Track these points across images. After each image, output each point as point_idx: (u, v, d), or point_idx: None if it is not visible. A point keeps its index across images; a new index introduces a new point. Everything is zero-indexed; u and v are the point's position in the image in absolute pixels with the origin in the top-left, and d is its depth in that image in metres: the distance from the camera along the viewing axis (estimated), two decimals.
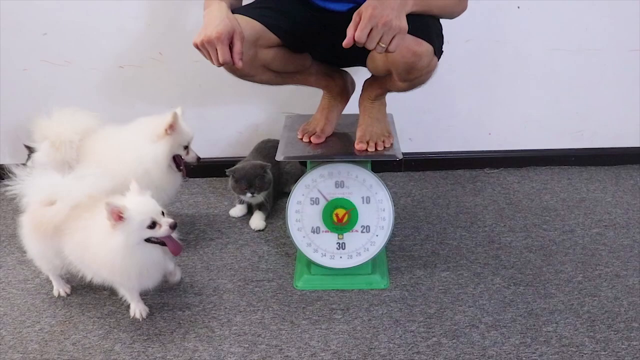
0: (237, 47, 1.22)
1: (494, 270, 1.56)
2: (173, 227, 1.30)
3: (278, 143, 1.96)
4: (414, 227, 1.77)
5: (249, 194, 1.75)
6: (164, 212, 1.33)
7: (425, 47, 1.24)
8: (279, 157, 1.43)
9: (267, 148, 1.93)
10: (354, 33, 1.11)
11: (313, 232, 1.48)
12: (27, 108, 1.92)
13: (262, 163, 1.81)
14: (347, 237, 1.48)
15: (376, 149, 1.42)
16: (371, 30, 1.10)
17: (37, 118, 1.62)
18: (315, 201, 1.48)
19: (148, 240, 1.30)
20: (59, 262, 1.41)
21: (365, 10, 1.11)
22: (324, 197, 1.47)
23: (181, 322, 1.40)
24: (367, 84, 1.50)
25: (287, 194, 1.88)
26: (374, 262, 1.52)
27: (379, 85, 1.44)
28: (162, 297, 1.49)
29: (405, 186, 2.02)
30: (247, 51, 1.30)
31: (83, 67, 1.95)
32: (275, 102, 2.05)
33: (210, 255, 1.66)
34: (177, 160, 1.62)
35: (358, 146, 1.42)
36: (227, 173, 1.79)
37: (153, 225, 1.28)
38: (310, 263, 1.51)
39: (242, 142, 2.11)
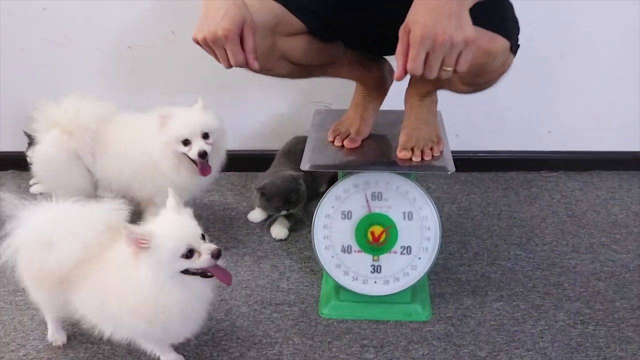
0: (249, 43, 0.98)
1: (557, 302, 1.31)
2: (216, 255, 1.02)
3: None
4: (461, 242, 1.53)
5: (284, 212, 1.53)
6: (205, 235, 1.05)
7: (501, 44, 0.99)
8: (305, 165, 1.19)
9: (297, 152, 1.68)
10: (405, 64, 0.85)
11: (343, 251, 1.25)
12: (26, 91, 1.73)
13: (294, 174, 1.56)
14: (384, 259, 1.24)
15: (422, 159, 1.17)
16: (427, 55, 0.84)
17: (42, 104, 1.43)
18: (347, 215, 1.24)
19: (185, 271, 1.02)
20: (66, 313, 1.12)
21: (413, 29, 0.83)
22: (359, 210, 1.23)
23: (186, 353, 1.19)
24: (415, 77, 1.24)
25: (320, 195, 1.67)
26: (414, 289, 1.29)
27: (432, 81, 1.17)
28: None
29: (450, 190, 1.77)
30: (263, 40, 1.05)
31: (87, 46, 1.73)
32: (303, 89, 1.81)
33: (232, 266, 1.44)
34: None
35: (401, 154, 1.17)
36: (256, 191, 1.56)
37: (190, 254, 1.00)
38: (339, 287, 1.28)
39: (265, 133, 1.88)
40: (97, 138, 1.43)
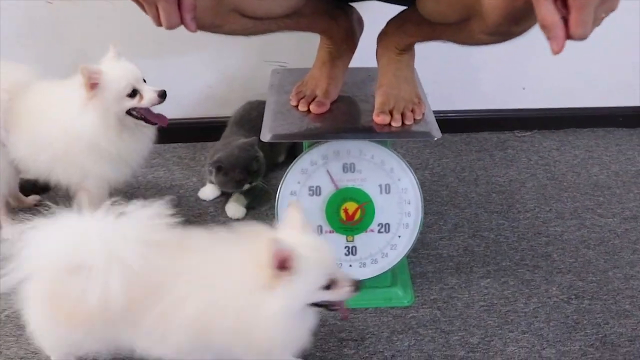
0: (187, 1, 0.79)
1: (547, 275, 1.20)
2: (357, 288, 0.85)
3: (264, 108, 1.55)
4: (438, 213, 1.39)
5: (247, 185, 1.34)
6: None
7: None
8: (266, 136, 1.00)
9: (252, 119, 1.49)
10: (566, 32, 0.65)
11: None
12: None
13: (248, 140, 1.38)
14: (360, 239, 1.09)
15: (403, 123, 1.00)
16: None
17: None
18: (315, 191, 1.08)
19: (316, 304, 0.84)
20: (108, 349, 0.87)
21: None
22: (328, 185, 1.06)
23: None
24: (394, 26, 1.06)
25: (279, 165, 1.50)
26: (393, 271, 1.14)
27: (419, 30, 1.00)
28: None
29: (421, 155, 1.62)
30: None
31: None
32: (255, 47, 1.60)
33: None
34: (138, 112, 1.20)
35: (378, 118, 1.00)
36: (210, 167, 1.36)
37: (330, 285, 0.82)
38: None
39: (214, 98, 1.67)
40: (11, 110, 1.19)
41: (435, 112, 1.76)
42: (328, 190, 1.07)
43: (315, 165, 1.07)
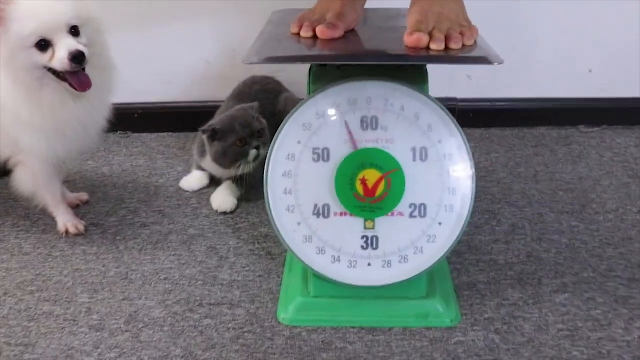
0: None
1: None
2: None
3: (269, 82, 1.27)
4: (489, 212, 1.05)
5: (253, 152, 1.04)
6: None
7: None
8: (250, 58, 0.70)
9: (253, 94, 1.21)
10: None
11: (317, 214, 0.77)
12: None
13: (248, 104, 1.11)
14: (383, 225, 0.76)
15: (447, 47, 0.69)
16: None
17: None
18: (322, 155, 0.76)
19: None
20: None
21: None
22: (341, 146, 0.75)
23: None
24: None
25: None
26: (431, 277, 0.81)
27: None
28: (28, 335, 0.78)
29: None
30: None
31: None
32: (260, 11, 1.32)
33: (135, 253, 0.94)
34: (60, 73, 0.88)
35: (412, 37, 0.68)
36: (202, 131, 1.07)
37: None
38: (309, 274, 0.80)
39: (212, 76, 1.38)
40: None
41: (477, 99, 1.47)
42: (340, 152, 0.75)
43: (322, 118, 0.76)
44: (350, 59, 0.70)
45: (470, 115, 1.38)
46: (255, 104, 1.10)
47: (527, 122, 1.41)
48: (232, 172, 1.06)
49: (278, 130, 0.76)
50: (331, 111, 0.76)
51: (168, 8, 1.31)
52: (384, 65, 0.76)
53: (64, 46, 0.83)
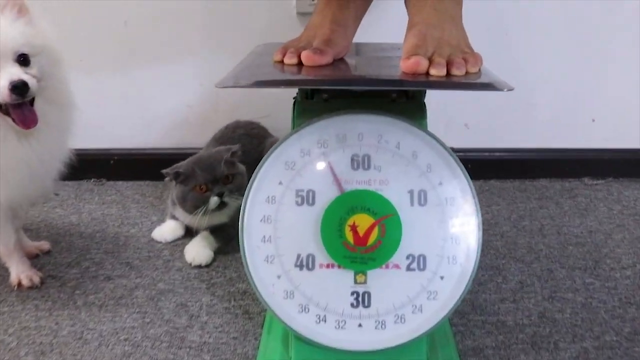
0: None
1: None
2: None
3: (254, 127, 1.20)
4: (493, 268, 0.95)
5: (214, 199, 0.95)
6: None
7: None
8: (225, 82, 0.61)
9: (236, 138, 1.14)
10: None
11: (300, 266, 0.66)
12: None
13: (226, 147, 1.03)
14: (376, 279, 0.66)
15: (449, 73, 0.61)
16: None
17: None
18: (307, 198, 0.67)
19: None
20: None
21: None
22: (327, 188, 0.66)
23: None
24: None
25: None
26: (432, 340, 0.70)
27: None
28: None
29: None
30: None
31: None
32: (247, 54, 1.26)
33: (95, 309, 0.83)
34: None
35: (409, 61, 0.60)
36: (165, 173, 0.99)
37: None
38: (290, 337, 0.69)
39: (194, 121, 1.31)
40: None
41: (475, 149, 1.39)
42: (328, 195, 0.66)
43: (307, 156, 0.67)
44: (337, 84, 0.62)
45: (468, 166, 1.29)
46: (237, 146, 1.02)
47: (529, 173, 1.33)
48: (202, 221, 0.97)
49: (256, 170, 0.67)
50: (317, 149, 0.67)
51: (150, 49, 1.25)
52: (377, 98, 0.68)
53: (6, 75, 0.74)
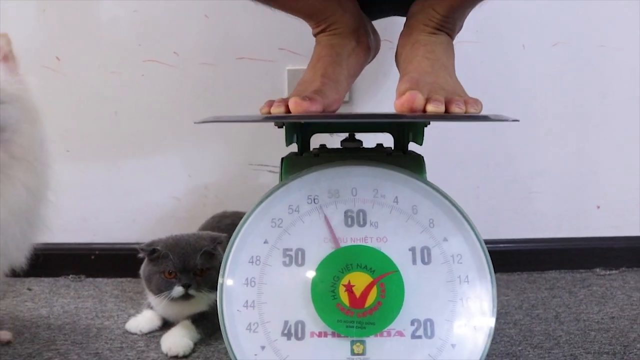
0: None
1: None
2: None
3: (242, 217, 1.14)
4: (510, 355, 0.84)
5: (178, 289, 0.87)
6: None
7: None
8: (203, 118, 0.57)
9: (224, 227, 1.08)
10: None
11: (287, 335, 0.57)
12: None
13: (212, 234, 0.96)
14: (375, 347, 0.57)
15: (448, 110, 0.56)
16: None
17: None
18: (295, 258, 0.59)
19: None
20: None
21: None
22: (319, 244, 0.59)
23: None
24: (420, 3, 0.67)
25: None
26: None
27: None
28: None
29: None
30: None
31: None
32: (236, 146, 1.23)
33: None
34: None
35: (404, 97, 0.56)
36: (140, 249, 0.93)
37: None
38: None
39: (181, 217, 1.24)
40: None
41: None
42: (319, 253, 0.59)
43: (296, 213, 0.61)
44: (329, 118, 0.57)
45: None
46: (224, 236, 0.95)
47: (536, 264, 1.25)
48: (170, 309, 0.90)
49: (238, 227, 0.61)
50: (307, 205, 0.61)
51: (136, 139, 1.22)
52: (371, 152, 0.64)
53: None
